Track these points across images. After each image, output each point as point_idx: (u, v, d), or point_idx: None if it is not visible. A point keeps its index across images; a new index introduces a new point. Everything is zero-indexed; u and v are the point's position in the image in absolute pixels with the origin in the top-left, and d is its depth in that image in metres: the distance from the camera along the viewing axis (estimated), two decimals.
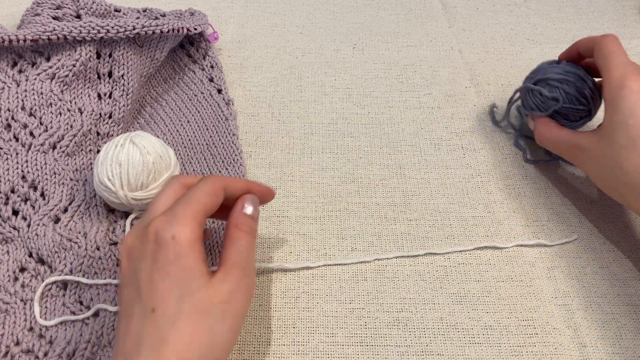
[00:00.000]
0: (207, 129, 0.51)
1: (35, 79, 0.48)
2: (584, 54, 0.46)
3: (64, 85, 0.49)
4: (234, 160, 0.48)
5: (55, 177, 0.45)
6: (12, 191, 0.44)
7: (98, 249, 0.41)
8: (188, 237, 0.31)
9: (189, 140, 0.50)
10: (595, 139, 0.40)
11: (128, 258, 0.32)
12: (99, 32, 0.49)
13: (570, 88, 0.44)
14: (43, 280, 0.40)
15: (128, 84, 0.51)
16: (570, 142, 0.43)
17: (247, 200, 0.36)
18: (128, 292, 0.31)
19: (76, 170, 0.46)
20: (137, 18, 0.57)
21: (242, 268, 0.33)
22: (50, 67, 0.49)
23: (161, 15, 0.58)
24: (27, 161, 0.45)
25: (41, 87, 0.48)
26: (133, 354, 0.29)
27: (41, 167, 0.45)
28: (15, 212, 0.43)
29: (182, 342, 0.29)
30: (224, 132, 0.50)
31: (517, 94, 0.50)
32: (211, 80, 0.55)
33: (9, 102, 0.47)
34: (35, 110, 0.47)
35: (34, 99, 0.47)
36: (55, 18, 0.53)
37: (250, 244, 0.34)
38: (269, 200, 0.39)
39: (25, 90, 0.47)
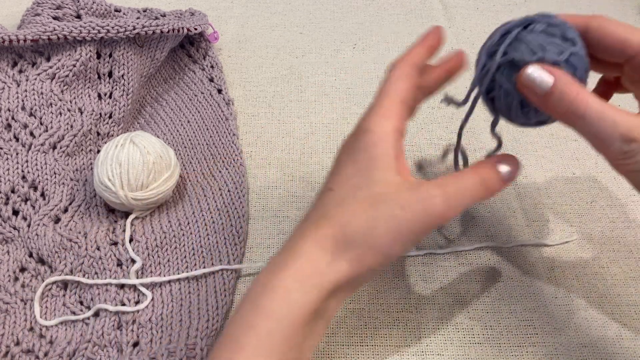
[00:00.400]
0: (207, 129, 0.51)
1: (36, 79, 0.48)
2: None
3: (64, 85, 0.49)
4: (234, 160, 0.48)
5: (55, 177, 0.45)
6: (12, 191, 0.44)
7: (98, 249, 0.41)
8: (383, 128, 0.30)
9: (189, 140, 0.50)
10: None
11: (340, 149, 0.32)
12: (99, 32, 0.49)
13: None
14: (43, 280, 0.40)
15: (128, 84, 0.51)
16: (620, 127, 0.28)
17: (507, 159, 0.32)
18: (327, 178, 0.32)
19: (76, 170, 0.46)
20: (137, 18, 0.57)
21: (439, 195, 0.29)
22: (51, 67, 0.49)
23: (161, 15, 0.58)
24: (27, 161, 0.45)
25: (41, 87, 0.48)
26: (300, 223, 0.31)
27: (41, 167, 0.45)
28: (15, 212, 0.43)
29: (341, 222, 0.29)
30: (224, 132, 0.50)
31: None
32: (211, 80, 0.55)
33: (9, 102, 0.47)
34: (36, 110, 0.47)
35: (34, 99, 0.47)
36: (55, 18, 0.53)
37: (469, 190, 0.29)
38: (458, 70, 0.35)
39: (26, 90, 0.47)
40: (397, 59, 0.33)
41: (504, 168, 0.31)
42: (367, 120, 0.31)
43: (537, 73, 0.29)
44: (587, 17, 0.31)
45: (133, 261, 0.41)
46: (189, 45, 0.58)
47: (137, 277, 0.40)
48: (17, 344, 0.37)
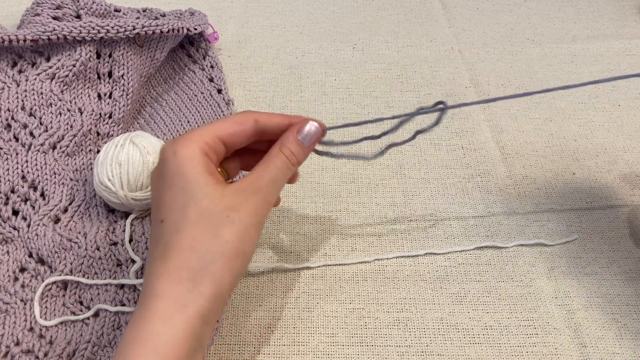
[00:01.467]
0: None
1: (35, 79, 0.48)
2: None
3: (64, 85, 0.49)
4: None
5: (55, 177, 0.45)
6: (12, 191, 0.44)
7: (98, 249, 0.41)
8: (189, 151, 0.31)
9: None
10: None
11: (152, 181, 0.33)
12: (99, 32, 0.49)
13: None
14: (43, 281, 0.40)
15: (128, 84, 0.51)
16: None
17: (303, 124, 0.33)
18: (152, 212, 0.32)
19: (76, 170, 0.46)
20: (137, 18, 0.57)
21: (259, 186, 0.31)
22: (50, 67, 0.49)
23: (161, 15, 0.58)
24: (27, 161, 0.45)
25: (41, 87, 0.48)
26: (148, 263, 0.30)
27: (41, 167, 0.45)
28: (15, 212, 0.43)
29: (185, 247, 0.29)
30: None
31: None
32: (211, 80, 0.55)
33: (9, 102, 0.47)
34: (35, 110, 0.47)
35: (34, 99, 0.47)
36: (55, 18, 0.53)
37: (282, 169, 0.32)
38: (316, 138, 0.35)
39: (25, 90, 0.47)
40: (251, 111, 0.34)
41: (301, 134, 0.33)
42: (172, 144, 0.31)
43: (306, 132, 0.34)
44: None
45: (133, 261, 0.41)
46: (188, 45, 0.58)
47: (137, 277, 0.40)
48: (17, 344, 0.37)
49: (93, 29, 0.49)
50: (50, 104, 0.48)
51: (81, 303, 0.39)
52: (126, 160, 0.41)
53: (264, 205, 0.31)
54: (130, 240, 0.42)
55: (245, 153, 0.36)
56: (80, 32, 0.48)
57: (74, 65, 0.49)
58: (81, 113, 0.49)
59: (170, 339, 0.27)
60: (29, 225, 0.43)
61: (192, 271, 0.29)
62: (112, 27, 0.49)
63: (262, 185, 0.31)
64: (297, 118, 0.34)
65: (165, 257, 0.29)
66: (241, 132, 0.33)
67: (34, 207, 0.43)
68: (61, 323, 0.38)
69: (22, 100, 0.47)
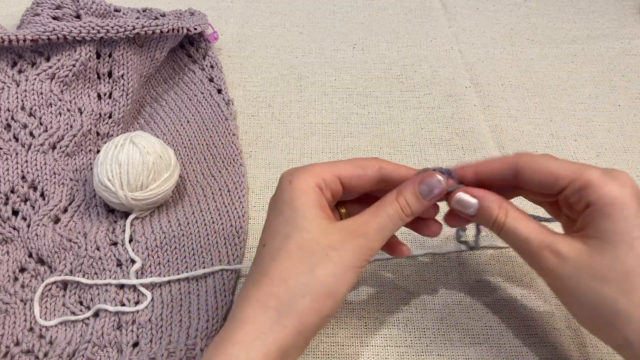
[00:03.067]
0: (207, 129, 0.51)
1: (35, 79, 0.48)
2: (490, 181, 0.33)
3: (63, 85, 0.49)
4: (234, 160, 0.48)
5: (55, 177, 0.45)
6: (12, 191, 0.44)
7: (98, 249, 0.41)
8: (304, 183, 0.31)
9: (189, 140, 0.50)
10: (582, 248, 0.29)
11: (269, 206, 0.33)
12: (98, 32, 0.49)
13: None
14: (43, 281, 0.40)
15: (128, 84, 0.51)
16: (542, 242, 0.30)
17: (427, 177, 0.32)
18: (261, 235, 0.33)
19: (76, 170, 0.46)
20: (137, 18, 0.57)
21: (365, 231, 0.30)
22: (50, 67, 0.49)
23: (161, 15, 0.58)
24: (27, 161, 0.45)
25: (41, 87, 0.48)
26: (243, 286, 0.31)
27: (41, 167, 0.45)
28: (15, 212, 0.43)
29: (277, 276, 0.29)
30: (224, 132, 0.50)
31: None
32: (211, 80, 0.55)
33: (8, 102, 0.47)
34: (35, 110, 0.47)
35: (34, 99, 0.47)
36: (55, 18, 0.53)
37: (394, 218, 0.31)
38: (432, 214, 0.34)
39: (25, 90, 0.47)
40: (375, 158, 0.34)
41: (422, 187, 0.32)
42: (290, 174, 0.32)
43: (463, 196, 0.32)
44: (516, 157, 0.32)
45: (133, 261, 0.41)
46: (188, 45, 0.58)
47: (137, 278, 0.40)
48: (17, 344, 0.37)
49: (93, 29, 0.49)
50: (50, 104, 0.48)
51: (81, 303, 0.39)
52: (126, 160, 0.41)
53: (367, 251, 0.30)
54: (130, 240, 0.42)
55: (373, 200, 0.35)
56: (80, 32, 0.48)
57: (73, 65, 0.49)
58: (81, 113, 0.49)
59: None
60: (28, 226, 0.43)
61: (279, 302, 0.29)
62: (112, 27, 0.49)
63: (369, 231, 0.30)
64: (426, 174, 0.32)
65: (258, 282, 0.29)
66: (362, 176, 0.32)
67: (33, 207, 0.43)
68: (61, 323, 0.38)
69: (22, 100, 0.47)
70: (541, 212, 0.37)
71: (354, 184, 0.33)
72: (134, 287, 0.40)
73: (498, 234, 0.32)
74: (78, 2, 0.54)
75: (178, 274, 0.40)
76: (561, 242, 0.30)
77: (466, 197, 0.32)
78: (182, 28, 0.53)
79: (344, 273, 0.30)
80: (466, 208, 0.32)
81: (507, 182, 0.32)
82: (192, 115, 0.52)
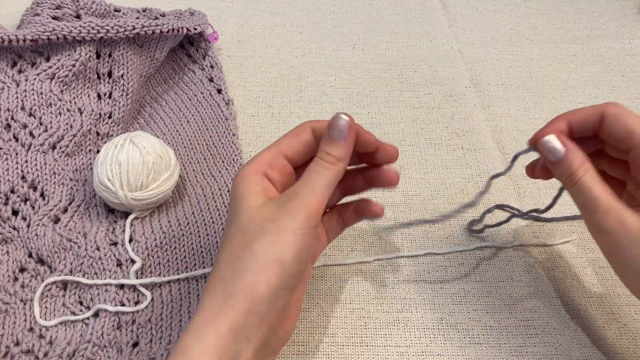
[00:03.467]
0: (207, 129, 0.51)
1: (35, 79, 0.48)
2: (582, 132, 0.34)
3: (63, 85, 0.49)
4: (234, 160, 0.48)
5: (55, 177, 0.45)
6: (12, 191, 0.44)
7: (98, 249, 0.41)
8: (245, 172, 0.32)
9: (189, 140, 0.50)
10: None
11: None
12: (98, 32, 0.49)
13: None
14: (43, 281, 0.40)
15: (128, 84, 0.51)
16: (611, 205, 0.31)
17: (332, 120, 0.32)
18: None
19: (76, 170, 0.46)
20: (137, 18, 0.57)
21: (295, 191, 0.31)
22: (50, 67, 0.49)
23: (161, 15, 0.58)
24: (26, 161, 0.45)
25: (41, 87, 0.48)
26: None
27: (41, 167, 0.45)
28: (15, 212, 0.43)
29: (222, 261, 0.30)
30: (224, 132, 0.50)
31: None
32: (211, 80, 0.55)
33: (8, 102, 0.47)
34: (35, 110, 0.47)
35: (34, 99, 0.47)
36: (55, 18, 0.53)
37: (319, 170, 0.31)
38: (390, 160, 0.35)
39: (25, 90, 0.47)
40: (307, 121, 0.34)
41: (332, 131, 0.32)
42: (241, 169, 0.33)
43: (553, 141, 0.33)
44: (606, 105, 0.33)
45: (133, 261, 0.41)
46: (188, 45, 0.58)
47: (137, 278, 0.40)
48: (17, 344, 0.37)
49: (93, 29, 0.49)
50: (50, 104, 0.48)
51: (81, 303, 0.39)
52: (126, 160, 0.41)
53: (302, 208, 0.30)
54: (130, 240, 0.42)
55: (347, 210, 0.37)
56: (80, 32, 0.48)
57: (73, 65, 0.49)
58: (81, 113, 0.49)
59: (198, 353, 0.27)
60: (28, 225, 0.43)
61: (224, 283, 0.28)
62: (112, 27, 0.49)
63: (298, 190, 0.31)
64: (332, 118, 0.33)
65: (210, 274, 0.30)
66: (300, 142, 0.33)
67: (33, 207, 0.43)
68: (61, 323, 0.38)
69: (22, 100, 0.47)
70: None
71: (297, 152, 0.33)
72: (134, 287, 0.40)
73: (568, 188, 0.33)
74: (78, 2, 0.54)
75: (178, 274, 0.40)
76: (628, 212, 0.30)
77: (555, 143, 0.32)
78: (182, 28, 0.53)
79: (284, 238, 0.29)
80: (551, 153, 0.32)
81: (592, 130, 0.33)
82: (192, 115, 0.52)
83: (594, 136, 0.34)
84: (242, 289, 0.28)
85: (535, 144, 0.34)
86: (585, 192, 0.31)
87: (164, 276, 0.40)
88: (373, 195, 0.47)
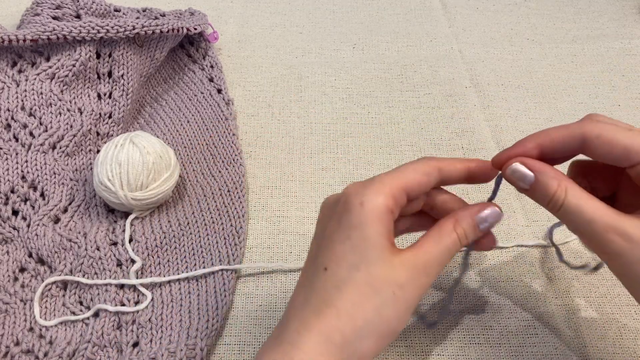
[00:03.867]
0: (207, 129, 0.51)
1: (35, 79, 0.48)
2: (553, 152, 0.31)
3: (63, 85, 0.49)
4: (234, 160, 0.48)
5: (55, 177, 0.45)
6: (12, 191, 0.44)
7: (98, 249, 0.41)
8: (376, 205, 0.28)
9: (189, 140, 0.50)
10: None
11: (322, 215, 0.31)
12: (98, 32, 0.49)
13: None
14: (43, 281, 0.40)
15: (128, 84, 0.51)
16: (608, 224, 0.27)
17: (487, 208, 0.31)
18: (312, 247, 0.31)
19: (76, 170, 0.46)
20: (137, 18, 0.57)
21: (430, 269, 0.29)
22: (50, 67, 0.49)
23: (161, 15, 0.58)
24: (26, 161, 0.45)
25: (41, 87, 0.48)
26: (300, 308, 0.29)
27: (41, 167, 0.45)
28: (15, 212, 0.43)
29: (346, 310, 0.27)
30: (224, 132, 0.50)
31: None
32: (211, 80, 0.55)
33: (8, 102, 0.47)
34: (35, 110, 0.47)
35: (34, 99, 0.47)
36: (55, 18, 0.53)
37: (452, 250, 0.30)
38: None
39: (25, 90, 0.47)
40: (432, 157, 0.32)
41: (481, 217, 0.31)
42: (361, 192, 0.29)
43: (519, 168, 0.30)
44: (582, 125, 0.29)
45: (133, 261, 0.41)
46: (188, 45, 0.58)
47: (137, 277, 0.40)
48: (17, 344, 0.37)
49: (93, 28, 0.49)
50: (50, 104, 0.48)
51: (81, 303, 0.39)
52: (126, 160, 0.41)
53: (427, 288, 0.29)
54: (130, 240, 0.42)
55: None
56: (80, 32, 0.48)
57: (73, 65, 0.49)
58: (81, 113, 0.49)
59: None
60: (28, 225, 0.43)
61: (344, 339, 0.27)
62: (112, 27, 0.49)
63: (431, 267, 0.29)
64: (477, 162, 0.31)
65: (322, 313, 0.28)
66: (427, 183, 0.30)
67: (33, 207, 0.43)
68: (61, 323, 0.38)
69: (22, 100, 0.47)
70: None
71: (419, 192, 0.31)
72: (134, 287, 0.40)
73: (555, 213, 0.29)
74: (78, 2, 0.54)
75: (178, 274, 0.40)
76: (629, 223, 0.27)
77: (521, 169, 0.30)
78: (182, 28, 0.53)
79: (406, 314, 0.29)
80: (521, 180, 0.30)
81: (573, 152, 0.30)
82: (192, 115, 0.52)
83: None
84: (360, 353, 0.27)
85: (501, 174, 0.31)
86: (575, 216, 0.28)
87: (164, 276, 0.40)
88: None
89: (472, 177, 0.32)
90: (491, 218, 0.30)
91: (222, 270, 0.40)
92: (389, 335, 0.28)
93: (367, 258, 0.28)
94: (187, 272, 0.40)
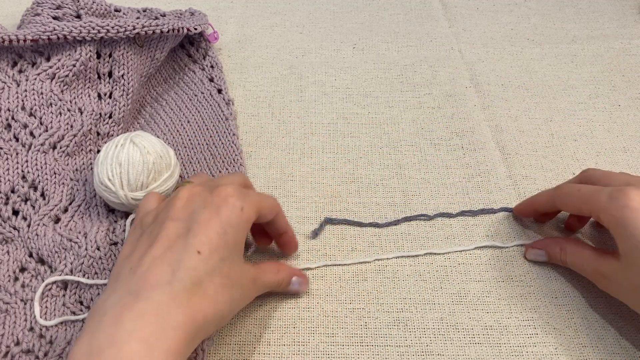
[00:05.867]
0: (207, 129, 0.51)
1: (35, 79, 0.48)
2: (544, 210, 0.42)
3: (64, 85, 0.49)
4: (234, 160, 0.48)
5: (55, 177, 0.45)
6: (12, 191, 0.44)
7: (98, 249, 0.41)
8: (252, 218, 0.35)
9: (189, 140, 0.50)
10: (617, 266, 0.35)
11: (188, 199, 0.34)
12: (99, 32, 0.49)
13: None
14: (43, 280, 0.40)
15: (128, 84, 0.51)
16: (593, 268, 0.38)
17: (300, 275, 0.40)
18: (174, 226, 0.33)
19: (76, 170, 0.46)
20: (137, 18, 0.57)
21: (261, 281, 0.37)
22: (50, 67, 0.49)
23: (161, 15, 0.58)
24: (27, 161, 0.45)
25: (41, 87, 0.48)
26: (168, 280, 0.30)
27: (41, 167, 0.45)
28: (15, 212, 0.43)
29: (210, 295, 0.31)
30: (224, 132, 0.50)
31: None
32: (211, 80, 0.55)
33: (9, 102, 0.47)
34: (35, 110, 0.47)
35: (34, 99, 0.47)
36: (55, 18, 0.53)
37: (272, 286, 0.38)
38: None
39: (25, 90, 0.47)
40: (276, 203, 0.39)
41: (295, 282, 0.39)
42: (240, 198, 0.35)
43: (533, 251, 0.42)
44: (554, 191, 0.40)
45: None
46: (188, 45, 0.58)
47: None
48: (17, 344, 0.37)
49: (93, 29, 0.49)
50: (51, 103, 0.48)
51: (81, 303, 0.39)
52: (126, 160, 0.41)
53: (244, 299, 0.35)
54: None
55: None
56: (80, 32, 0.48)
57: (74, 65, 0.49)
58: (81, 113, 0.49)
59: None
60: (29, 225, 0.43)
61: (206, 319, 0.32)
62: (112, 27, 0.49)
63: (258, 287, 0.37)
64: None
65: (194, 289, 0.31)
66: (268, 215, 0.37)
67: (34, 207, 0.43)
68: (61, 323, 0.38)
69: (22, 100, 0.47)
70: None
71: (264, 218, 0.38)
72: None
73: (565, 266, 0.40)
74: (78, 2, 0.54)
75: None
76: (604, 264, 0.37)
77: (536, 251, 0.42)
78: (182, 28, 0.53)
79: (236, 308, 0.35)
80: (538, 257, 0.42)
81: (555, 208, 0.41)
82: (192, 115, 0.52)
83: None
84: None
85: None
86: (574, 267, 0.40)
87: None
88: (373, 194, 0.47)
89: None
90: (301, 286, 0.40)
91: None
92: (224, 321, 0.34)
93: (233, 256, 0.33)
94: None
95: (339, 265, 0.42)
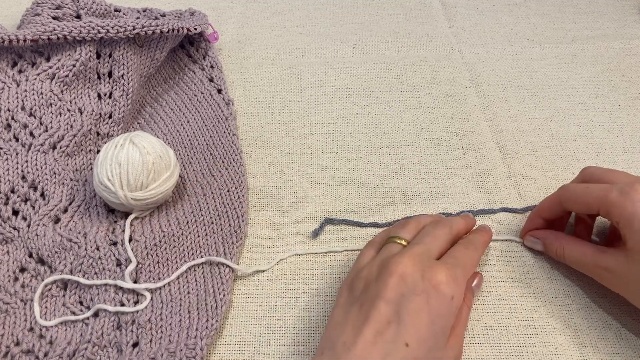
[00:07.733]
0: (207, 129, 0.51)
1: (35, 79, 0.48)
2: (551, 215, 0.42)
3: (64, 85, 0.49)
4: (234, 160, 0.48)
5: (55, 177, 0.45)
6: (12, 191, 0.44)
7: (98, 249, 0.41)
8: (459, 305, 0.35)
9: (189, 140, 0.50)
10: (624, 260, 0.36)
11: (400, 278, 0.34)
12: (99, 32, 0.49)
13: None
14: (43, 281, 0.40)
15: (128, 84, 0.51)
16: (595, 263, 0.38)
17: (477, 276, 0.40)
18: (385, 309, 0.33)
19: (76, 170, 0.46)
20: (137, 18, 0.57)
21: (461, 337, 0.36)
22: (50, 67, 0.49)
23: (161, 15, 0.58)
24: (27, 161, 0.45)
25: (41, 87, 0.48)
26: None
27: (41, 167, 0.45)
28: (15, 212, 0.43)
29: None
30: (224, 132, 0.50)
31: None
32: (211, 80, 0.55)
33: (9, 102, 0.47)
34: (35, 110, 0.47)
35: (34, 99, 0.47)
36: (55, 18, 0.53)
37: (468, 316, 0.38)
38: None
39: (25, 90, 0.47)
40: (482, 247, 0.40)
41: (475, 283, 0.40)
42: (450, 286, 0.34)
43: (530, 239, 0.43)
44: (558, 191, 0.41)
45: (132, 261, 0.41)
46: (188, 45, 0.58)
47: (135, 276, 0.40)
48: (17, 344, 0.37)
49: (93, 29, 0.49)
50: (50, 104, 0.48)
51: (81, 303, 0.39)
52: (126, 160, 0.41)
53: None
54: (130, 240, 0.42)
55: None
56: (80, 32, 0.48)
57: (74, 65, 0.49)
58: (81, 113, 0.49)
59: None
60: (29, 225, 0.43)
61: None
62: (112, 27, 0.49)
63: (461, 338, 0.36)
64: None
65: None
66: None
67: (34, 207, 0.43)
68: (61, 323, 0.38)
69: (22, 100, 0.47)
70: None
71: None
72: None
73: (563, 261, 0.41)
74: (78, 2, 0.54)
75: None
76: (608, 258, 0.37)
77: (533, 239, 0.42)
78: (182, 28, 0.53)
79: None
80: (535, 246, 0.42)
81: (562, 212, 0.41)
82: (192, 115, 0.52)
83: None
84: None
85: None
86: (573, 262, 0.40)
87: (164, 275, 0.40)
88: (373, 194, 0.47)
89: None
90: (479, 282, 0.40)
91: (220, 270, 0.40)
92: None
93: (440, 346, 0.33)
94: (186, 272, 0.41)
95: (339, 265, 0.42)
